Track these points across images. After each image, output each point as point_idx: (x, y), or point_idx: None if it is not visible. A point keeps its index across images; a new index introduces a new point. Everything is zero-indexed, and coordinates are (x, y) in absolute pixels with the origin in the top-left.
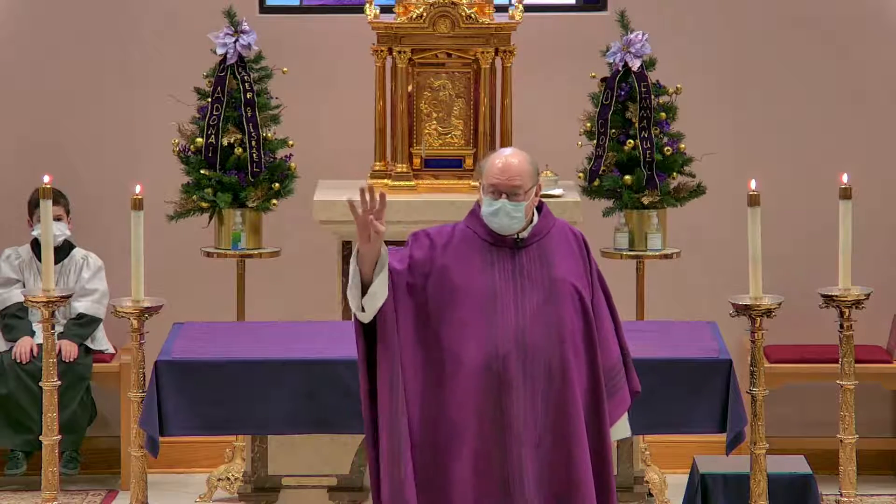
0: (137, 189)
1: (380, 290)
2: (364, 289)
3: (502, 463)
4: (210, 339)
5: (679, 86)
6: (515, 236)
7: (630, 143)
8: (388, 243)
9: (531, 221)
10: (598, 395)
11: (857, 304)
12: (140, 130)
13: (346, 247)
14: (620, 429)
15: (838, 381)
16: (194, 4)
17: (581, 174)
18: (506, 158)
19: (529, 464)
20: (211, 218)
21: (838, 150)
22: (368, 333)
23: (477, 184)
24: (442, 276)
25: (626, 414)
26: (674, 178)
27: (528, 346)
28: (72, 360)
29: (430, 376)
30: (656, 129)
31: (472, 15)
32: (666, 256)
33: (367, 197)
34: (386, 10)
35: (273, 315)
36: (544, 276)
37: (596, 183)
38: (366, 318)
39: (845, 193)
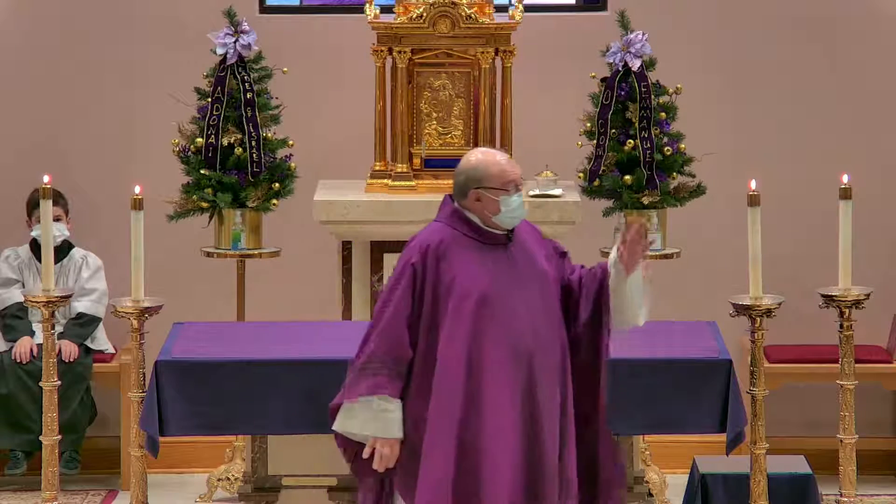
0: (137, 189)
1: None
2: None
3: (535, 466)
4: (210, 339)
5: (679, 86)
6: (507, 232)
7: (630, 143)
8: (388, 243)
9: None
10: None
11: (857, 304)
12: (140, 130)
13: (346, 247)
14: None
15: (838, 381)
16: (194, 4)
17: (581, 174)
18: (501, 155)
19: (554, 464)
20: (211, 218)
21: (838, 150)
22: None
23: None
24: (447, 288)
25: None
26: (674, 178)
27: (542, 342)
28: (72, 360)
29: (464, 398)
30: (656, 129)
31: (472, 15)
32: (666, 256)
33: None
34: (386, 10)
35: (273, 315)
36: (534, 269)
37: (596, 183)
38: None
39: (845, 193)
